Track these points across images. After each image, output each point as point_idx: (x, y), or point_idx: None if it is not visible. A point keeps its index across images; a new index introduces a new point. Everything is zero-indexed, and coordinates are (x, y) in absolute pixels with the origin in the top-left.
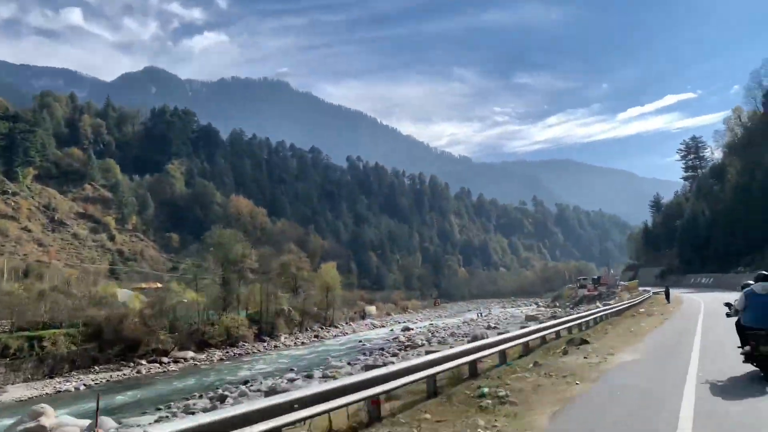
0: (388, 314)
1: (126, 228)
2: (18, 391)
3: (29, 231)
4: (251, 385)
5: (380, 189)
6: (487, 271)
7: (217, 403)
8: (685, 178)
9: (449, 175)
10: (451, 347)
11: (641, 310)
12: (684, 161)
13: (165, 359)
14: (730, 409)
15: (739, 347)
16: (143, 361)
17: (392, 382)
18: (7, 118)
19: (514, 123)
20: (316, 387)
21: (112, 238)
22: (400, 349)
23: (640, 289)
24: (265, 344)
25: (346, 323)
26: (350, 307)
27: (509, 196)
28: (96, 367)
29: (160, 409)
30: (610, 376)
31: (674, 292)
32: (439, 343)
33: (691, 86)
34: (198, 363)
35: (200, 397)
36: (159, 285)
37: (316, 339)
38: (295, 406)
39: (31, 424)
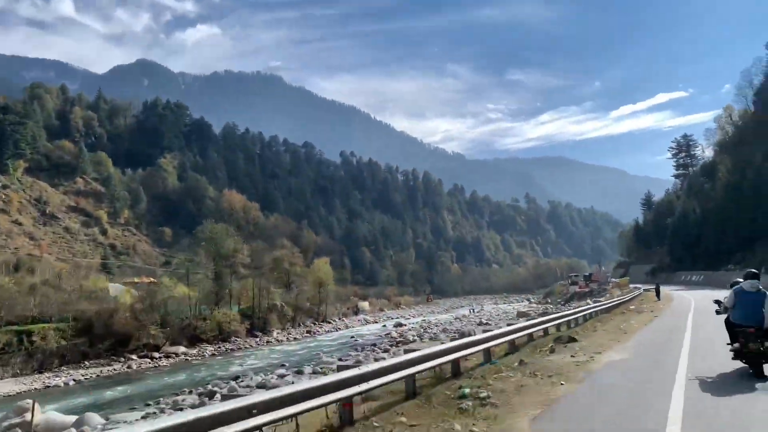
0: (381, 310)
1: (118, 222)
2: (6, 387)
3: (20, 224)
4: (241, 381)
5: (374, 185)
6: (480, 268)
7: (206, 399)
8: (676, 176)
9: (442, 171)
10: (441, 343)
11: (631, 307)
12: (675, 159)
13: (156, 354)
14: (719, 409)
15: (728, 344)
16: (134, 356)
17: (365, 384)
18: None
19: (507, 120)
20: (280, 390)
21: (104, 232)
22: (391, 345)
23: (631, 286)
24: (258, 339)
25: (339, 319)
26: (343, 303)
27: (502, 193)
28: (86, 362)
29: (149, 405)
30: (597, 376)
31: (665, 290)
32: (431, 339)
33: (683, 85)
34: (189, 358)
35: (190, 392)
36: (152, 279)
37: (308, 334)
38: (254, 411)
39: (17, 420)
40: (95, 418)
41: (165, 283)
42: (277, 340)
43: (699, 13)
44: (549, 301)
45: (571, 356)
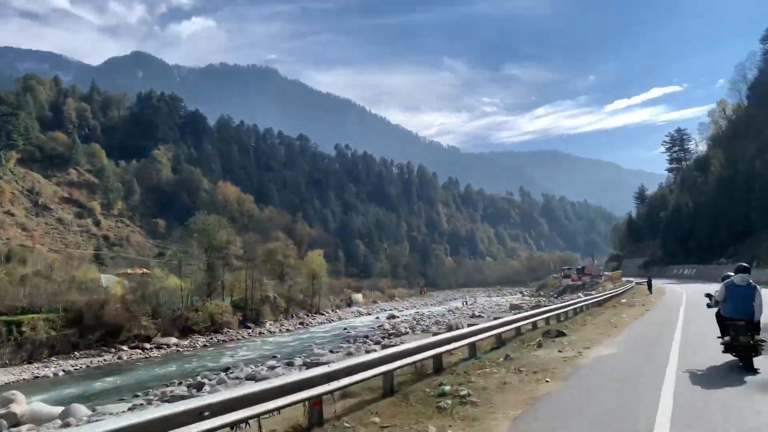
0: (375, 302)
1: (112, 213)
2: None
3: (12, 215)
4: (231, 372)
5: (368, 177)
6: (474, 261)
7: (194, 390)
8: (670, 170)
9: (437, 164)
10: (434, 335)
11: (623, 300)
12: (669, 153)
13: (147, 345)
14: (709, 402)
15: (719, 337)
16: (125, 347)
17: (335, 382)
18: None
19: (502, 114)
20: (239, 389)
21: (97, 224)
22: (383, 337)
23: (624, 279)
24: (250, 331)
25: (333, 311)
26: (337, 295)
27: (496, 187)
28: (76, 353)
29: (137, 396)
30: (584, 373)
31: (657, 283)
32: (423, 331)
33: (678, 79)
34: (181, 349)
35: (179, 384)
36: (145, 271)
37: (301, 326)
38: (206, 414)
39: (2, 411)
40: (81, 409)
41: (156, 274)
42: (270, 332)
43: (694, 7)
44: (542, 294)
45: (559, 351)
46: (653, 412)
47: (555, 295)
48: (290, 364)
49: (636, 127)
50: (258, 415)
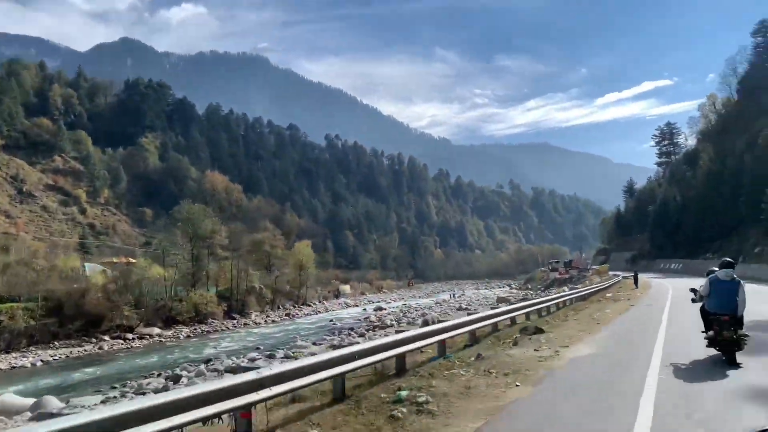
0: (363, 294)
1: (98, 201)
2: None
3: None
4: (212, 364)
5: (358, 168)
6: (463, 253)
7: (170, 383)
8: (659, 164)
9: (428, 156)
10: (397, 332)
11: (608, 295)
12: (658, 147)
13: (129, 335)
14: (693, 415)
15: (703, 332)
16: (106, 337)
17: (267, 390)
18: None
19: (493, 106)
20: (154, 398)
21: (83, 212)
22: (368, 329)
23: (611, 273)
24: (235, 322)
25: (320, 302)
26: (324, 286)
27: (487, 179)
28: (56, 343)
29: (115, 388)
30: (558, 376)
31: (643, 277)
32: (409, 323)
33: (669, 73)
34: (164, 340)
35: (158, 375)
36: (131, 260)
37: (287, 317)
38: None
39: None
40: (53, 402)
41: (140, 263)
42: (255, 323)
43: (686, 1)
44: (530, 287)
45: (535, 350)
46: (630, 425)
47: (542, 288)
48: (272, 357)
49: (626, 120)
50: (178, 427)
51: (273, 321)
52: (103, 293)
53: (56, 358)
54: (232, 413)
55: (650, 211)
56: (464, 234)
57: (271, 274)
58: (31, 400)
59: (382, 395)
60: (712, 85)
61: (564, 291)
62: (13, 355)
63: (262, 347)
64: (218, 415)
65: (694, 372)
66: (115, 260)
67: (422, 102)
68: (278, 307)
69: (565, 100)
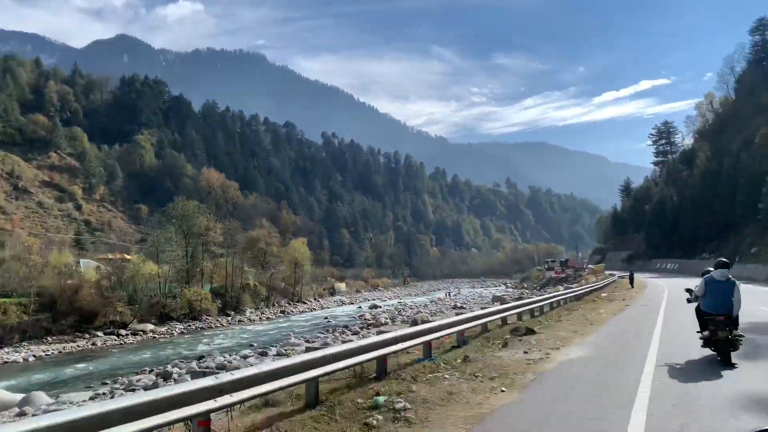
0: (358, 291)
1: (93, 198)
2: None
3: None
4: (203, 362)
5: (355, 166)
6: (459, 251)
7: (160, 380)
8: (656, 164)
9: (425, 154)
10: (378, 333)
11: (603, 294)
12: (655, 146)
13: (123, 331)
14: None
15: (698, 332)
16: (100, 333)
17: (227, 396)
18: None
19: (491, 104)
20: (100, 405)
21: (78, 208)
22: (362, 327)
23: (606, 273)
24: (229, 319)
25: (315, 299)
26: (320, 284)
27: (484, 177)
28: (49, 338)
29: (106, 384)
30: (547, 381)
31: (639, 277)
32: (403, 322)
33: (666, 72)
34: (158, 336)
35: (151, 371)
36: (126, 256)
37: (282, 315)
38: None
39: None
40: (42, 397)
41: (133, 260)
42: (250, 320)
43: (685, 0)
44: (525, 286)
45: (525, 352)
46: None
47: (538, 288)
48: (264, 354)
49: (624, 119)
50: None
51: (267, 318)
52: (96, 289)
53: (49, 353)
54: (188, 421)
55: (647, 211)
56: (460, 232)
57: (266, 272)
58: (19, 396)
59: (359, 400)
60: (709, 84)
61: (559, 290)
62: (6, 350)
63: (255, 344)
64: (170, 425)
65: (689, 373)
66: (110, 256)
67: (419, 100)
68: (273, 305)
69: (562, 99)
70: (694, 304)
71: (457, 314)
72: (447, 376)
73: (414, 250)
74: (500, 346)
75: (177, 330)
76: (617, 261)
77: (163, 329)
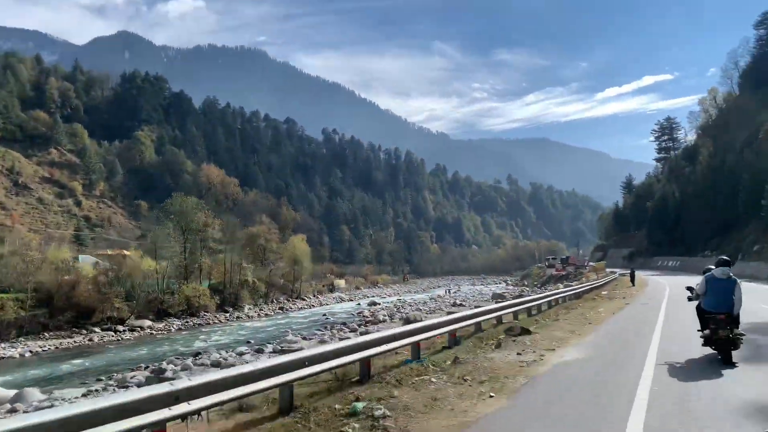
0: (358, 288)
1: (93, 194)
2: None
3: None
4: (199, 358)
5: (355, 163)
6: (460, 248)
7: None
8: (658, 160)
9: (426, 150)
10: (361, 334)
11: (603, 293)
12: (657, 142)
13: (120, 327)
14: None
15: (699, 330)
16: (97, 329)
17: (185, 404)
18: None
19: (492, 100)
20: (55, 411)
21: (78, 204)
22: (360, 324)
23: (608, 270)
24: (228, 315)
25: (314, 296)
26: (319, 280)
27: (485, 174)
28: (46, 334)
29: (101, 380)
30: (539, 385)
31: (640, 275)
32: (401, 319)
33: (670, 67)
34: (155, 332)
35: (146, 368)
36: (126, 252)
37: (280, 311)
38: None
39: None
40: (35, 394)
41: (131, 256)
42: (248, 317)
43: None
44: (526, 283)
45: (518, 354)
46: None
47: (539, 285)
48: (260, 351)
49: (626, 115)
50: None
51: (266, 315)
52: (93, 285)
53: (45, 349)
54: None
55: (648, 208)
56: (461, 229)
57: (265, 268)
58: (12, 392)
59: (337, 406)
60: (713, 80)
61: (559, 287)
62: (2, 345)
63: (252, 341)
64: None
65: (689, 373)
66: (110, 252)
67: (420, 96)
68: (272, 301)
69: (564, 95)
70: (695, 303)
71: (448, 313)
72: (434, 380)
73: (414, 247)
74: (493, 346)
75: (174, 326)
76: (618, 258)
77: (161, 325)
